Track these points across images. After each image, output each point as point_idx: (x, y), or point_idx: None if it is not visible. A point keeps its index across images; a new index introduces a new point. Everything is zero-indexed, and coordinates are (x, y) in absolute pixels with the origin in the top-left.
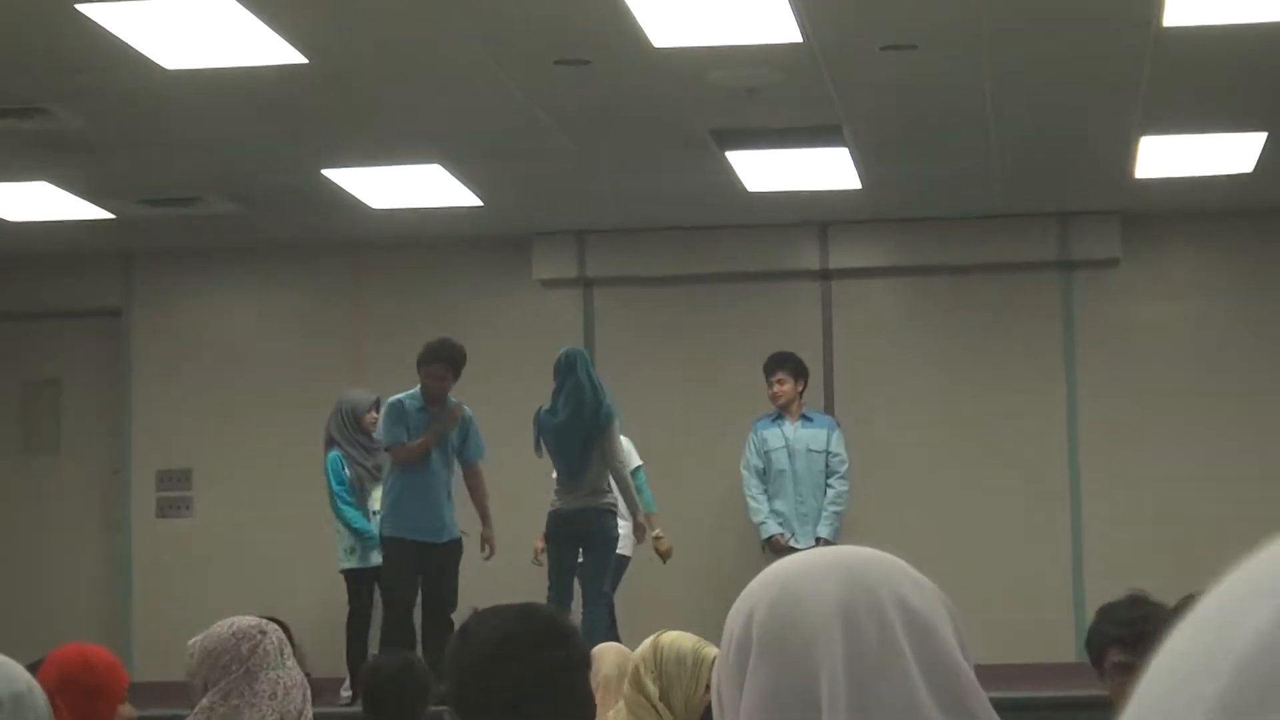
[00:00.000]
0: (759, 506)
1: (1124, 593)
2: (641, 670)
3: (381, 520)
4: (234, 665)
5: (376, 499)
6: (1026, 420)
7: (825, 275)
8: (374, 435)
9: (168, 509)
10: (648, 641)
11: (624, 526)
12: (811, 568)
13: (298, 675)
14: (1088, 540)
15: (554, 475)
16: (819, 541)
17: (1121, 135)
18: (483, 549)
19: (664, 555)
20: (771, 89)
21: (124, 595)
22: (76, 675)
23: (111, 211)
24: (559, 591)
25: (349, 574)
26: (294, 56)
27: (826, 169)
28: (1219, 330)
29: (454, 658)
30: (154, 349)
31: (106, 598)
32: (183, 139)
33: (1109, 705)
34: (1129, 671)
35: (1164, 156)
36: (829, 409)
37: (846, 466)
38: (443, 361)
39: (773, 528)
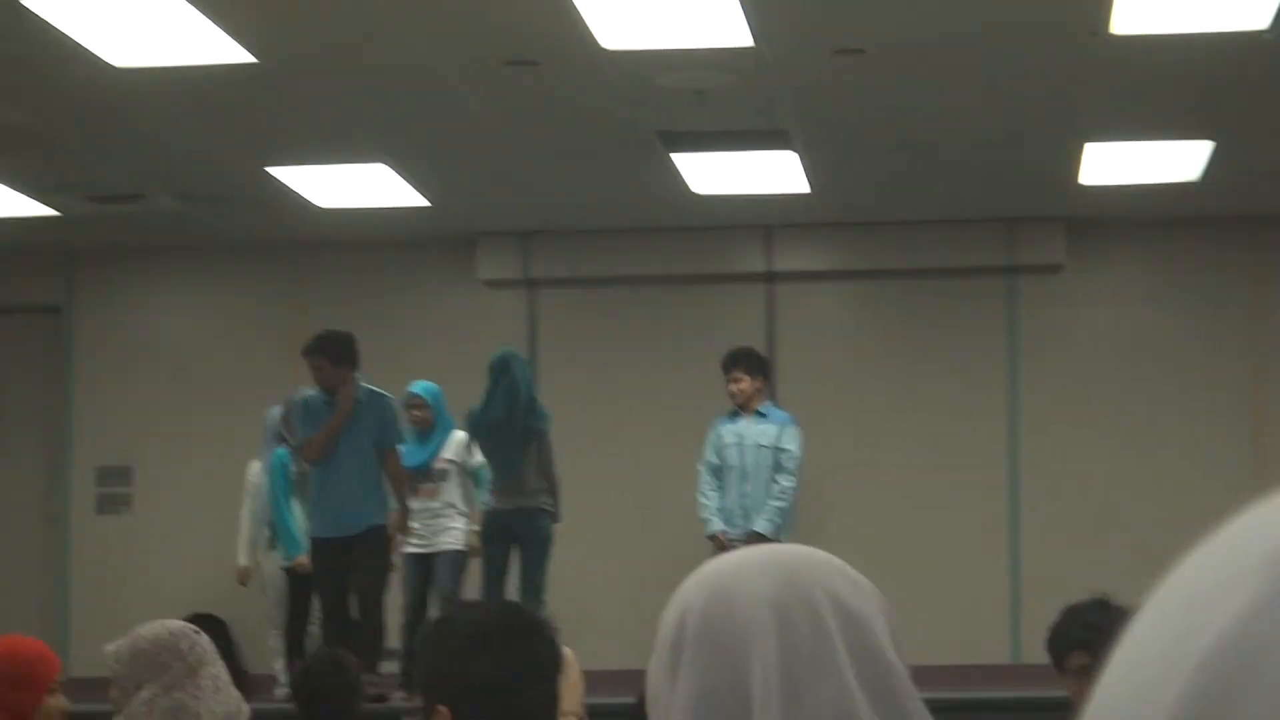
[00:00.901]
0: (706, 503)
1: (1088, 595)
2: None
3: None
4: (174, 662)
5: None
6: (969, 425)
7: (770, 278)
8: None
9: (107, 505)
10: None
11: (463, 522)
12: (745, 566)
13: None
14: (1026, 544)
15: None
16: (752, 535)
17: (1068, 142)
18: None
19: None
20: (721, 92)
21: (62, 591)
22: (37, 670)
23: (56, 208)
24: (493, 591)
25: (287, 571)
26: (242, 55)
27: (774, 172)
28: (1162, 337)
29: (429, 647)
30: (95, 347)
31: (45, 593)
32: (130, 136)
33: (1066, 706)
34: (1091, 675)
35: (1109, 163)
36: None
37: (796, 464)
38: (317, 354)
39: (715, 525)
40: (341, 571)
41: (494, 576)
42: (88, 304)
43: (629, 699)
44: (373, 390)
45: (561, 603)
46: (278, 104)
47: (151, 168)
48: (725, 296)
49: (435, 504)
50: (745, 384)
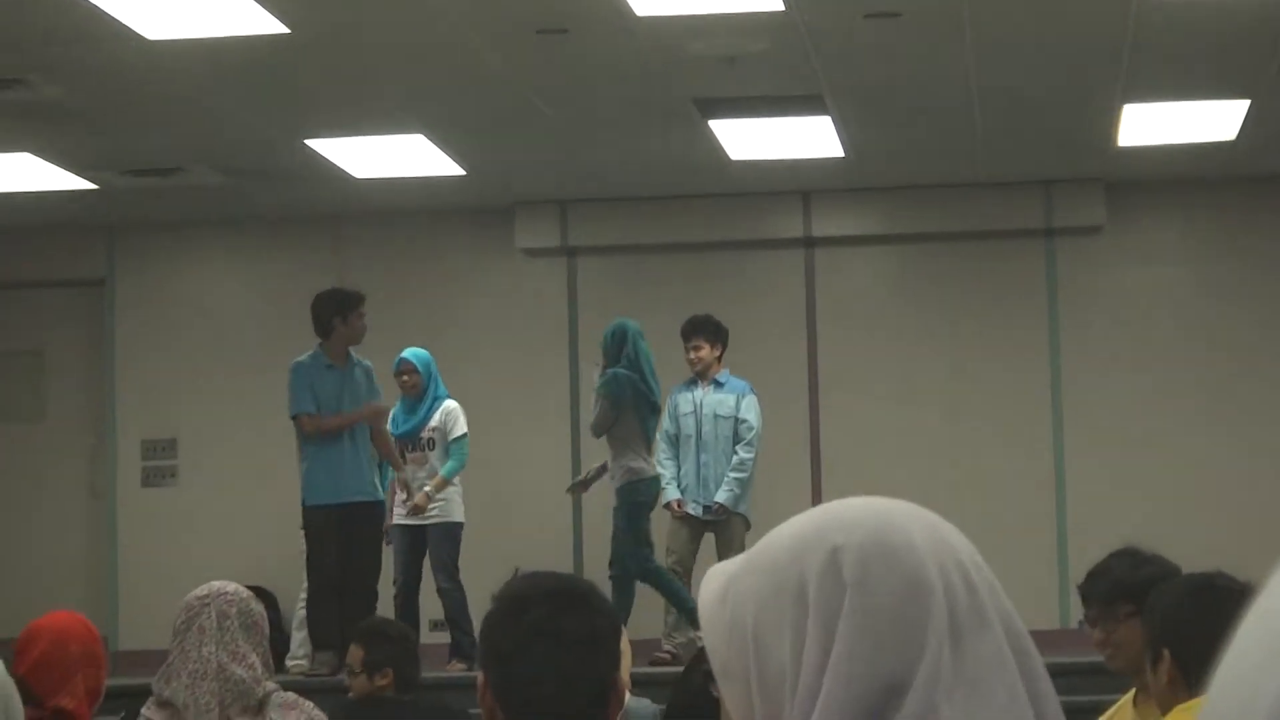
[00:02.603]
0: (662, 472)
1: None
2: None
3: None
4: (178, 630)
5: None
6: (1010, 387)
7: (809, 243)
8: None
9: (153, 478)
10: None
11: (454, 492)
12: (893, 513)
13: (249, 655)
14: (1072, 507)
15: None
16: (713, 507)
17: (1105, 102)
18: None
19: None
20: (753, 58)
21: (109, 565)
22: (94, 647)
23: (94, 182)
24: (646, 556)
25: None
26: (276, 26)
27: (809, 137)
28: (1201, 296)
29: (485, 620)
30: (137, 319)
31: (92, 567)
32: (165, 109)
33: (1093, 671)
34: (1133, 624)
35: (1147, 124)
36: (812, 377)
37: (754, 433)
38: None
39: (672, 493)
40: (343, 541)
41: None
42: (130, 277)
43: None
44: (359, 359)
45: (600, 574)
46: (313, 75)
47: (189, 141)
48: (764, 262)
49: (422, 473)
50: (705, 352)
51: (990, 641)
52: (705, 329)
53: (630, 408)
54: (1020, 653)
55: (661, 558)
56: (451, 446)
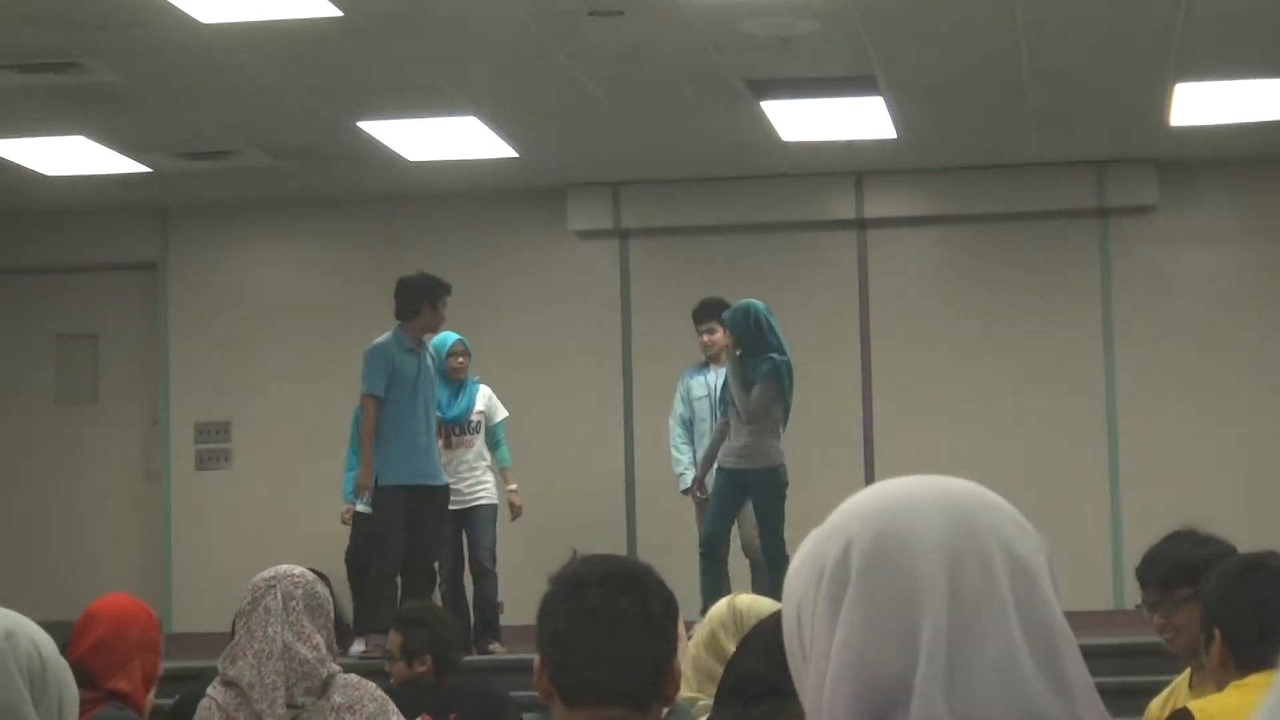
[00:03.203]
0: (680, 457)
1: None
2: (722, 635)
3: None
4: (243, 611)
5: None
6: (1064, 368)
7: (861, 225)
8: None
9: (206, 461)
10: (723, 604)
11: (492, 476)
12: (917, 503)
13: (314, 636)
14: (1125, 488)
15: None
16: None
17: (1157, 82)
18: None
19: (515, 511)
20: (806, 38)
21: (162, 548)
22: (152, 634)
23: (148, 165)
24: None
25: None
26: (328, 9)
27: (862, 118)
28: (1255, 276)
29: (543, 599)
30: (190, 302)
31: (145, 550)
32: (218, 92)
33: (1164, 652)
34: (1191, 606)
35: (1199, 103)
36: (865, 358)
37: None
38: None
39: (688, 480)
40: (414, 523)
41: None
42: (182, 260)
43: None
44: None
45: (652, 557)
46: (364, 58)
47: (241, 124)
48: (817, 243)
49: (469, 456)
50: (720, 335)
51: (999, 642)
52: (717, 313)
53: (787, 391)
54: (1043, 635)
55: (692, 544)
56: (497, 431)
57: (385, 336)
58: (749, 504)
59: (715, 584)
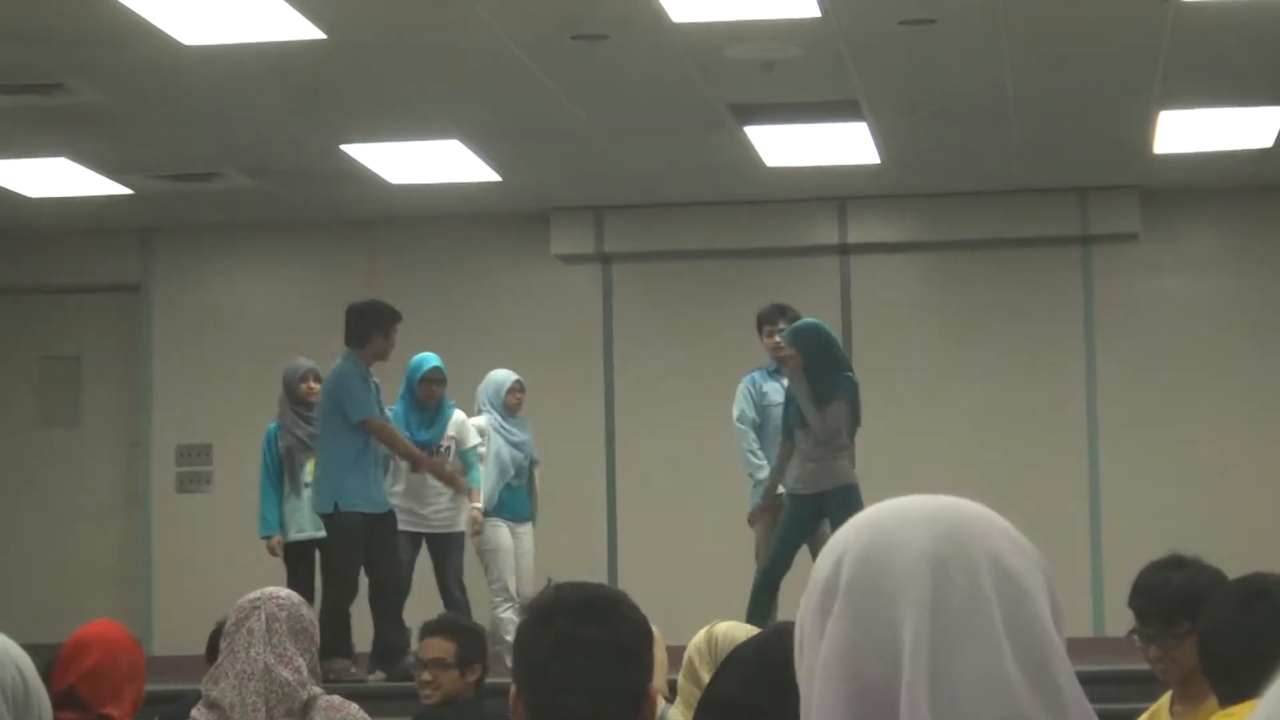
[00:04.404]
0: (759, 463)
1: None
2: (697, 662)
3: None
4: (228, 632)
5: (309, 471)
6: (1046, 394)
7: (844, 250)
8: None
9: (187, 484)
10: (701, 633)
11: (460, 501)
12: (908, 515)
13: (296, 659)
14: (1106, 514)
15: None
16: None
17: (1140, 110)
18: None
19: (474, 526)
20: (790, 64)
21: (143, 570)
22: (138, 660)
23: (130, 187)
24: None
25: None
26: (312, 32)
27: (845, 144)
28: (1237, 303)
29: (518, 628)
30: (173, 324)
31: (126, 573)
32: (201, 115)
33: (1149, 679)
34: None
35: (1183, 131)
36: None
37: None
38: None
39: (759, 499)
40: (370, 549)
41: None
42: (165, 282)
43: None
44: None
45: (633, 581)
46: (349, 81)
47: (224, 146)
48: (800, 269)
49: (436, 482)
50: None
51: (985, 652)
52: (786, 315)
53: (859, 409)
54: (1034, 648)
55: (749, 562)
56: (469, 456)
57: (344, 363)
58: (819, 528)
59: (762, 619)
